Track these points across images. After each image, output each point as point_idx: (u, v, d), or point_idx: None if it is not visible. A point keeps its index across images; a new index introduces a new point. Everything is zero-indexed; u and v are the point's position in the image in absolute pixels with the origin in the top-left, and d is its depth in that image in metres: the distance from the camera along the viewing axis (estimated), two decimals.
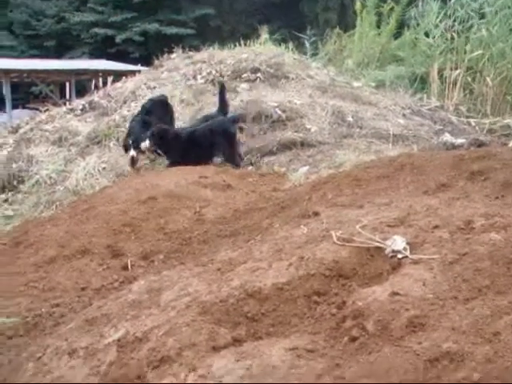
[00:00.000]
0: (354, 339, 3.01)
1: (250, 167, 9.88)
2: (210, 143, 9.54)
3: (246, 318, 3.69)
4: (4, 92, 27.88)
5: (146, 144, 9.62)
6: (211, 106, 12.00)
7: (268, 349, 3.05)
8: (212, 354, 3.24)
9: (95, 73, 28.70)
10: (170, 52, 16.11)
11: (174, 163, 9.53)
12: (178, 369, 3.14)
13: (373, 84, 14.32)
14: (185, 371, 3.05)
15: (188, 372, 3.03)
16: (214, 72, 13.40)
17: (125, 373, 3.35)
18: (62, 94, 31.80)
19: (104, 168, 10.39)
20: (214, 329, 3.55)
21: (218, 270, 4.41)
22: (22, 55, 39.22)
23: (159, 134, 9.52)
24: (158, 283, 4.49)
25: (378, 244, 4.02)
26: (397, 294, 3.24)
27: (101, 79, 24.78)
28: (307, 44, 19.36)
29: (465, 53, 14.02)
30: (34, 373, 3.76)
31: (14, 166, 10.92)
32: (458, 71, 13.64)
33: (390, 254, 3.86)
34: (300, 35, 20.93)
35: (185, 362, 3.22)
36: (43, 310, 5.31)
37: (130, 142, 10.02)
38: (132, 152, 9.97)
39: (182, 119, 11.70)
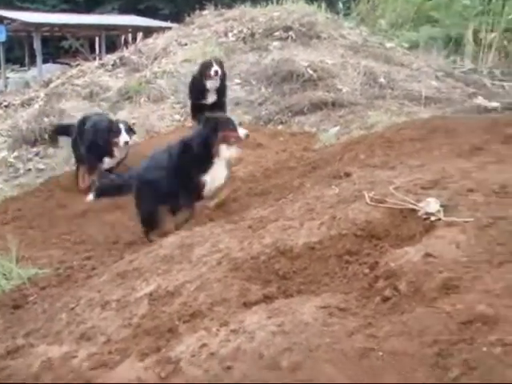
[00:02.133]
0: (386, 299, 3.00)
1: (281, 126, 9.84)
2: None
3: (277, 275, 3.70)
4: (35, 46, 27.93)
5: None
6: (242, 64, 11.94)
7: (299, 306, 3.06)
8: (243, 310, 3.26)
9: (125, 28, 28.66)
10: (202, 9, 15.99)
11: None
12: (210, 323, 3.16)
13: (406, 45, 14.13)
14: (216, 326, 3.08)
15: (219, 326, 3.05)
16: (245, 30, 13.30)
17: (156, 325, 3.39)
18: (92, 49, 31.80)
19: (134, 124, 10.40)
20: (245, 285, 3.58)
21: (250, 228, 4.43)
22: (52, 9, 39.13)
23: None
24: (190, 239, 4.52)
25: (411, 206, 3.99)
26: (430, 255, 3.22)
27: (130, 35, 24.72)
28: (340, 3, 19.09)
29: (501, 15, 13.74)
30: (68, 322, 3.82)
31: (46, 120, 10.96)
32: (493, 34, 13.39)
33: (424, 216, 3.83)
34: None
35: (216, 316, 3.25)
36: (75, 262, 5.39)
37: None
38: None
39: None
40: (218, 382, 2.59)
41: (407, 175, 4.74)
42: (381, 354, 2.51)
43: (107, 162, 8.00)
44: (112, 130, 7.76)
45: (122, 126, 7.81)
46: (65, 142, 9.77)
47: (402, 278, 3.09)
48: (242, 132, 5.73)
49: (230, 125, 5.71)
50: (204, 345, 2.89)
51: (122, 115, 10.61)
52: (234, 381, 2.54)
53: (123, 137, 7.72)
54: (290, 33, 12.93)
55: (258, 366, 2.60)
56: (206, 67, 8.82)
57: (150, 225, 5.68)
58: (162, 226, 5.61)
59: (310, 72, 11.03)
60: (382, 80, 11.18)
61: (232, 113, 10.17)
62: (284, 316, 2.96)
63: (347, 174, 5.32)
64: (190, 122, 10.09)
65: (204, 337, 2.98)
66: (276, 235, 4.11)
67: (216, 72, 8.65)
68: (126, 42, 18.78)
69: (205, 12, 15.62)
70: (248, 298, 3.40)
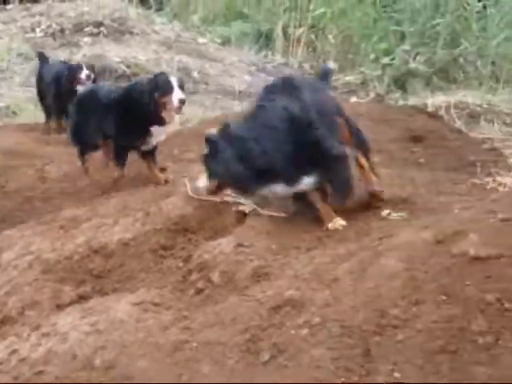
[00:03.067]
0: (200, 291, 3.05)
1: None
2: None
3: (91, 275, 3.65)
4: None
5: None
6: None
7: (114, 304, 3.03)
8: (56, 312, 3.18)
9: None
10: (6, 3, 15.27)
11: None
12: (21, 328, 3.06)
13: (218, 40, 14.31)
14: (27, 330, 2.98)
15: (31, 331, 2.95)
16: (54, 25, 12.88)
17: None
18: None
19: None
20: (58, 287, 3.49)
21: (62, 228, 4.31)
22: None
23: None
24: None
25: (223, 199, 4.06)
26: (241, 245, 3.31)
27: None
28: None
29: (308, 11, 14.27)
30: None
31: None
32: (301, 29, 13.88)
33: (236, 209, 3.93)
34: None
35: (27, 321, 3.15)
36: None
37: None
38: None
39: (21, 73, 11.22)
40: None
41: None
42: (195, 344, 2.54)
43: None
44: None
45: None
46: None
47: (215, 269, 3.15)
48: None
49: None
50: (14, 351, 2.79)
51: None
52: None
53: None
54: (102, 28, 12.68)
55: (71, 367, 2.55)
56: (75, 71, 7.91)
57: None
58: None
59: (124, 68, 10.91)
60: (195, 75, 11.27)
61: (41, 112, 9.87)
62: (98, 315, 2.92)
63: (162, 169, 5.32)
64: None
65: (14, 342, 2.87)
66: (90, 234, 4.04)
67: (88, 76, 7.88)
68: None
69: (9, 6, 14.94)
70: (61, 300, 3.33)
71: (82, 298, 3.34)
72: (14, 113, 9.84)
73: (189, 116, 8.67)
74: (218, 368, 2.39)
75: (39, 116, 9.40)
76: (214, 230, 3.78)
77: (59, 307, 3.25)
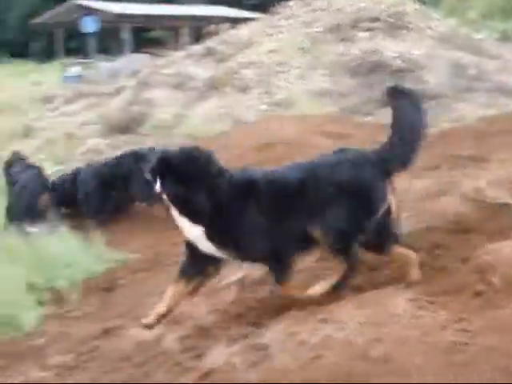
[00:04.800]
0: (478, 294, 2.96)
1: (367, 117, 9.76)
2: None
3: (365, 267, 3.68)
4: (124, 36, 28.52)
5: None
6: (328, 54, 11.90)
7: (389, 298, 3.04)
8: (332, 301, 3.26)
9: (211, 19, 28.85)
10: None
11: None
12: (297, 312, 3.19)
13: (496, 36, 13.77)
14: (305, 315, 3.09)
15: (308, 316, 3.07)
16: (332, 20, 13.21)
17: (244, 312, 3.44)
18: (178, 40, 32.20)
19: (221, 114, 10.51)
20: None
21: None
22: (141, 1, 39.84)
23: None
24: None
25: (503, 200, 3.91)
26: None
27: (216, 25, 24.90)
28: None
29: None
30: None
31: (135, 108, 11.21)
32: None
33: None
34: None
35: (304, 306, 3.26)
36: (163, 247, 5.50)
37: None
38: None
39: (299, 66, 11.66)
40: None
41: (499, 169, 4.64)
42: (474, 348, 2.48)
43: None
44: None
45: None
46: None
47: (495, 272, 3.03)
48: None
49: None
50: (293, 333, 2.92)
51: (209, 105, 10.75)
52: (325, 368, 2.56)
53: None
54: (378, 23, 12.77)
55: (348, 356, 2.60)
56: None
57: None
58: None
59: (398, 63, 10.90)
60: (471, 72, 10.94)
61: (315, 104, 10.18)
62: (373, 307, 2.95)
63: (436, 167, 5.25)
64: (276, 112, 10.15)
65: (293, 325, 3.00)
66: None
67: None
68: (212, 33, 18.92)
69: (291, 2, 15.57)
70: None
71: (356, 289, 3.40)
72: (291, 104, 10.26)
73: (463, 113, 8.47)
74: (500, 374, 2.31)
75: (314, 108, 9.74)
76: (493, 232, 3.64)
77: (334, 296, 3.33)
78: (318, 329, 2.88)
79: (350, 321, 2.86)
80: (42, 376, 3.44)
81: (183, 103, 11.30)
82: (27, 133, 12.57)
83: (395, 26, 12.67)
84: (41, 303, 4.59)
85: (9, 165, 7.49)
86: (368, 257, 3.72)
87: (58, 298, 4.75)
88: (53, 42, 38.20)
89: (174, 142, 9.97)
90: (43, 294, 4.69)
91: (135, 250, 5.54)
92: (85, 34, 31.63)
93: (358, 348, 2.64)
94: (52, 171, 9.59)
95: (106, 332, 3.78)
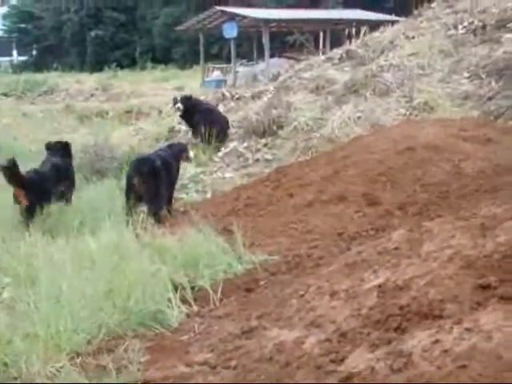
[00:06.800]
0: None
1: None
2: None
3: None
4: (263, 41, 28.95)
5: None
6: (471, 57, 11.57)
7: None
8: (477, 309, 3.18)
9: (350, 22, 28.74)
10: (430, 1, 15.68)
11: None
12: (443, 321, 3.12)
13: None
14: (449, 323, 3.03)
15: (453, 324, 3.00)
16: (476, 21, 12.82)
17: (386, 318, 3.40)
18: (316, 43, 32.34)
19: (359, 117, 10.45)
20: (478, 283, 3.48)
21: (482, 225, 4.28)
22: (279, 5, 40.31)
23: None
24: (418, 233, 4.47)
25: None
26: None
27: (355, 29, 24.80)
28: None
29: None
30: (298, 309, 3.94)
31: (274, 112, 11.34)
32: None
33: None
34: None
35: (449, 314, 3.19)
36: (302, 250, 5.54)
37: None
38: None
39: (441, 70, 11.42)
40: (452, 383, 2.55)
41: None
42: None
43: None
44: None
45: None
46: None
47: None
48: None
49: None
50: (437, 341, 2.86)
51: (348, 108, 10.71)
52: (471, 380, 2.49)
53: None
54: None
55: (496, 368, 2.52)
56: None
57: None
58: None
59: None
60: None
61: (458, 108, 9.94)
62: None
63: None
64: (416, 116, 9.99)
65: (437, 333, 2.94)
66: (511, 233, 3.94)
67: None
68: (351, 36, 18.87)
69: (433, 4, 15.30)
70: (482, 297, 3.30)
71: (503, 299, 3.28)
72: (432, 108, 10.06)
73: None
74: None
75: (456, 112, 9.52)
76: None
77: (479, 304, 3.24)
78: (463, 338, 2.81)
79: (498, 331, 2.76)
80: (186, 372, 3.56)
81: (322, 106, 11.32)
82: (171, 135, 13.03)
83: None
84: (185, 301, 4.74)
85: None
86: None
87: (201, 296, 4.90)
88: (195, 47, 39.40)
89: (313, 144, 10.07)
90: (187, 292, 4.84)
91: (274, 252, 5.61)
92: (226, 40, 32.42)
93: (506, 360, 2.55)
94: (191, 174, 9.95)
95: (247, 332, 3.86)
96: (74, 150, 9.12)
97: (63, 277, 4.67)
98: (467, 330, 2.88)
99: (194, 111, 11.95)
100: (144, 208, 7.68)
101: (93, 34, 56.59)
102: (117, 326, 4.27)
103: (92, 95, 30.46)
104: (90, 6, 57.79)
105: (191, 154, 9.09)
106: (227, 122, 11.93)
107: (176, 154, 8.53)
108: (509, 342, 2.63)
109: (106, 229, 6.08)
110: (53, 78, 36.61)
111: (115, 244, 5.47)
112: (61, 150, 8.70)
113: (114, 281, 4.65)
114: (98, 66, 48.84)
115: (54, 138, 9.86)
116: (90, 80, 36.08)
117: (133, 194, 7.63)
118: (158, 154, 8.33)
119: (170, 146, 8.90)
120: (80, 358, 3.93)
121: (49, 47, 59.84)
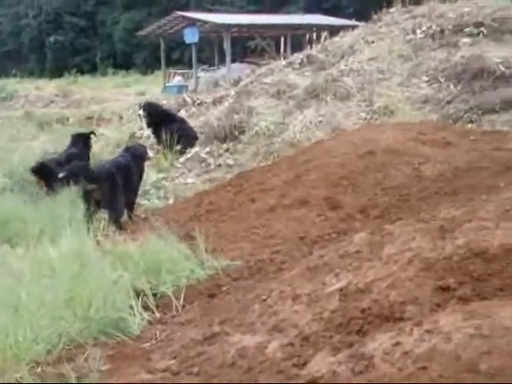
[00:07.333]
0: None
1: (470, 125, 9.54)
2: None
3: (471, 277, 3.60)
4: (225, 46, 28.99)
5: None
6: (430, 61, 11.72)
7: (498, 309, 2.95)
8: (437, 311, 3.21)
9: (310, 28, 28.94)
10: (389, 7, 15.85)
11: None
12: (403, 323, 3.15)
13: None
14: (409, 325, 3.05)
15: (413, 326, 3.02)
16: (434, 26, 13.00)
17: (348, 321, 3.42)
18: (277, 48, 32.44)
19: (320, 121, 10.51)
20: (438, 285, 3.52)
21: (441, 228, 4.33)
22: (240, 11, 40.42)
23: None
24: (379, 236, 4.50)
25: None
26: None
27: (315, 34, 24.95)
28: None
29: None
30: (260, 313, 3.94)
31: (236, 117, 11.36)
32: None
33: None
34: None
35: (409, 316, 3.22)
36: (265, 255, 5.54)
37: None
38: None
39: (400, 73, 11.55)
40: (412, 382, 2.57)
41: None
42: None
43: None
44: None
45: None
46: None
47: None
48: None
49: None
50: (398, 343, 2.88)
51: (309, 113, 10.77)
52: (431, 381, 2.51)
53: None
54: (481, 28, 12.46)
55: (455, 369, 2.55)
56: None
57: None
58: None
59: (502, 69, 10.60)
60: None
61: (417, 112, 10.06)
62: (481, 319, 2.87)
63: None
64: (376, 120, 10.08)
65: (398, 335, 2.97)
66: (470, 236, 3.99)
67: None
68: (312, 41, 18.99)
69: (392, 9, 15.47)
70: (441, 299, 3.35)
71: (461, 300, 3.32)
72: (392, 112, 10.16)
73: None
74: None
75: (415, 116, 9.62)
76: None
77: (439, 306, 3.28)
78: (423, 339, 2.83)
79: (458, 332, 2.79)
80: (148, 379, 3.54)
81: (283, 111, 11.37)
82: (133, 141, 12.96)
83: (500, 30, 12.32)
84: (147, 308, 4.71)
85: None
86: (475, 267, 3.66)
87: (163, 303, 4.87)
88: (156, 53, 39.30)
89: (275, 149, 10.10)
90: (149, 299, 4.81)
91: (237, 258, 5.60)
92: (187, 45, 32.39)
93: (465, 361, 2.57)
94: (152, 180, 9.91)
95: (210, 338, 3.84)
96: (32, 158, 9.07)
97: (22, 285, 4.61)
98: (427, 331, 2.90)
99: (160, 119, 11.89)
100: (105, 215, 7.63)
101: (52, 39, 56.16)
102: (77, 335, 4.22)
103: (52, 101, 30.12)
104: (48, 11, 57.31)
105: (150, 153, 9.11)
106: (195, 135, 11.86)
107: (136, 156, 8.47)
108: (468, 343, 2.67)
109: (66, 236, 6.01)
110: (11, 84, 36.05)
111: (76, 251, 5.40)
112: None
113: (75, 289, 4.59)
114: (57, 72, 48.46)
115: (12, 146, 9.81)
116: (49, 86, 35.69)
117: (91, 201, 7.56)
118: (114, 160, 8.31)
119: (127, 149, 8.83)
120: (40, 367, 3.87)
121: (7, 53, 59.23)
